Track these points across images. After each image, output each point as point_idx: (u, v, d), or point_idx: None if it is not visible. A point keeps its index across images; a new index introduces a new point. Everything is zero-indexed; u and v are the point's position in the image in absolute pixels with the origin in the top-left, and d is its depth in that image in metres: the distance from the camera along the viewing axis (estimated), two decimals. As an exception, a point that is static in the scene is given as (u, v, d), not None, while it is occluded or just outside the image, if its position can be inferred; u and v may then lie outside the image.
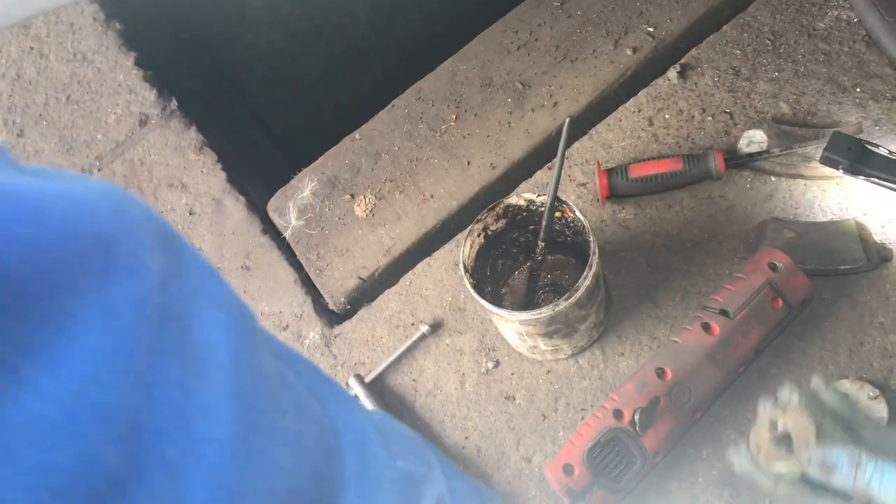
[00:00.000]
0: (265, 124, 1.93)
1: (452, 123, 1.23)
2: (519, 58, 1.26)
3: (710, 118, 1.14)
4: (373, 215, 1.19)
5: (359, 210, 1.20)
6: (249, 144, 1.71)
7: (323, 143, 1.27)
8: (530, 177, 1.17)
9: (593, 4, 1.27)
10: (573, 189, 1.14)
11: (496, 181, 1.17)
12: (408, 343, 1.09)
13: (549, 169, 1.16)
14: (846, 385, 0.93)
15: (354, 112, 1.31)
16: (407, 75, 1.30)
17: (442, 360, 1.09)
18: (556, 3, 1.29)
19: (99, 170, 1.30)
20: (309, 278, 1.18)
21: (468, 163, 1.19)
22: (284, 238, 1.20)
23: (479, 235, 0.96)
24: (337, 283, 1.16)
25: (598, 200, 1.11)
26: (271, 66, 1.89)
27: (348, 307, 1.17)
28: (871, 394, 0.92)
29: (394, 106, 1.27)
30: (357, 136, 1.26)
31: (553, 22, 1.27)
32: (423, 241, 1.17)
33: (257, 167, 1.59)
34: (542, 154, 1.19)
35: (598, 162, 1.11)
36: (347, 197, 1.21)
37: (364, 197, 1.21)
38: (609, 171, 1.10)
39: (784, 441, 0.76)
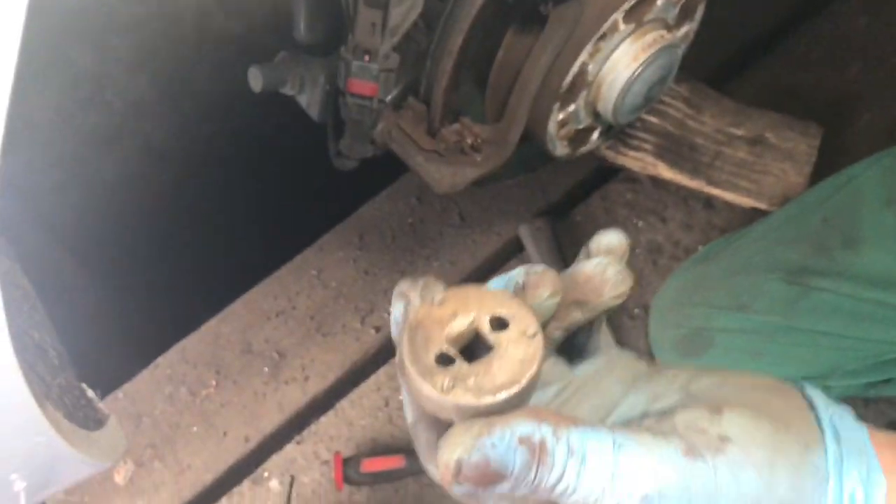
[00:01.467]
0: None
1: (212, 390, 1.35)
2: (277, 325, 1.40)
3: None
4: (132, 483, 1.29)
5: (118, 477, 1.29)
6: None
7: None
8: (280, 450, 1.33)
9: (346, 277, 1.44)
10: (317, 467, 1.32)
11: (250, 454, 1.32)
12: None
13: (298, 444, 1.33)
14: None
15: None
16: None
17: None
18: (313, 272, 1.45)
19: None
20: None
21: (224, 434, 1.33)
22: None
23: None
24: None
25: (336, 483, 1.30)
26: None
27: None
28: None
29: (157, 365, 1.37)
30: (120, 395, 1.35)
31: (310, 291, 1.43)
32: (180, 512, 1.29)
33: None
34: (293, 428, 1.35)
35: (337, 454, 1.29)
36: (107, 465, 1.30)
37: (124, 463, 1.30)
38: (345, 462, 1.28)
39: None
